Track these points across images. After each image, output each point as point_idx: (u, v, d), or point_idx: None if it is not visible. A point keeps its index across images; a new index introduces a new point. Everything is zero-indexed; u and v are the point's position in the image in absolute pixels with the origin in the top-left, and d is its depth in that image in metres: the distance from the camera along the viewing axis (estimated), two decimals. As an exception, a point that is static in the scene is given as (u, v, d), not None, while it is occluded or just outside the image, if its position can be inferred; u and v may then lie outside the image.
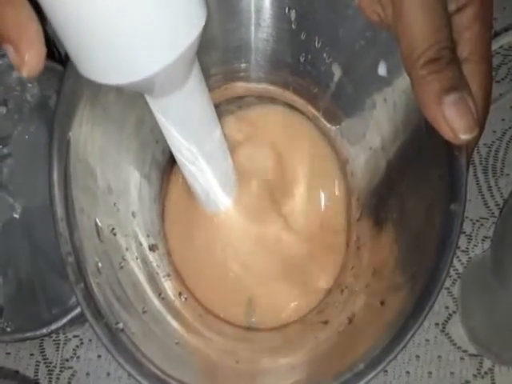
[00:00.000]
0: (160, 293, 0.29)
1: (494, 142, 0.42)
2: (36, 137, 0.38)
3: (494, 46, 0.41)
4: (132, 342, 0.24)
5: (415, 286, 0.24)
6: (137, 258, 0.29)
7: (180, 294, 0.31)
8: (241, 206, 0.33)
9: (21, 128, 0.39)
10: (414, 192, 0.27)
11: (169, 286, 0.31)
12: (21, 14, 0.19)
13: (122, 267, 0.27)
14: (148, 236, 0.31)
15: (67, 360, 0.40)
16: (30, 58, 0.19)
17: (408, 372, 0.39)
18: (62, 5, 0.18)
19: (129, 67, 0.20)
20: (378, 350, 0.23)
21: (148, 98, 0.25)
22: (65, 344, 0.40)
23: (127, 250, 0.28)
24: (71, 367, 0.40)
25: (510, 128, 0.42)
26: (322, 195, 0.34)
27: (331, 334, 0.28)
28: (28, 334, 0.34)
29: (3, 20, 0.19)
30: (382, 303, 0.26)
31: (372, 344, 0.24)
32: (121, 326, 0.24)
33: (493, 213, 0.41)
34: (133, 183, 0.30)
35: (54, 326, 0.33)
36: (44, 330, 0.34)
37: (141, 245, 0.30)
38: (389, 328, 0.24)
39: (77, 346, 0.40)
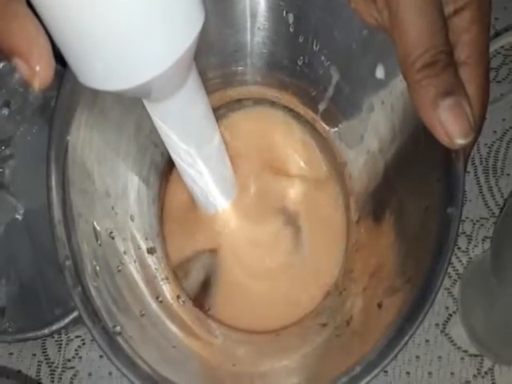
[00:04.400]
0: (158, 296, 0.29)
1: (494, 142, 0.42)
2: (38, 138, 0.38)
3: (495, 46, 0.40)
4: (129, 346, 0.24)
5: (412, 289, 0.24)
6: (135, 262, 0.29)
7: (178, 297, 0.31)
8: (239, 208, 0.33)
9: (23, 129, 0.39)
10: (412, 194, 0.27)
11: (167, 289, 0.30)
12: (28, 27, 0.18)
13: (119, 270, 0.27)
14: (146, 239, 0.31)
15: (69, 360, 0.40)
16: (41, 70, 0.19)
17: (408, 372, 0.39)
18: (58, 14, 0.18)
19: (126, 73, 0.19)
20: (375, 353, 0.23)
21: (146, 103, 0.25)
22: (67, 344, 0.40)
23: (125, 253, 0.28)
24: (73, 367, 0.40)
25: (510, 128, 0.42)
26: (320, 197, 0.34)
27: (329, 337, 0.28)
28: (30, 334, 0.34)
29: (11, 34, 0.18)
30: (380, 306, 0.26)
31: (369, 347, 0.24)
32: (118, 329, 0.24)
33: (493, 213, 0.41)
34: (131, 186, 0.30)
35: (55, 327, 0.34)
36: (46, 331, 0.34)
37: (139, 248, 0.30)
38: (386, 331, 0.24)
39: (79, 346, 0.40)
